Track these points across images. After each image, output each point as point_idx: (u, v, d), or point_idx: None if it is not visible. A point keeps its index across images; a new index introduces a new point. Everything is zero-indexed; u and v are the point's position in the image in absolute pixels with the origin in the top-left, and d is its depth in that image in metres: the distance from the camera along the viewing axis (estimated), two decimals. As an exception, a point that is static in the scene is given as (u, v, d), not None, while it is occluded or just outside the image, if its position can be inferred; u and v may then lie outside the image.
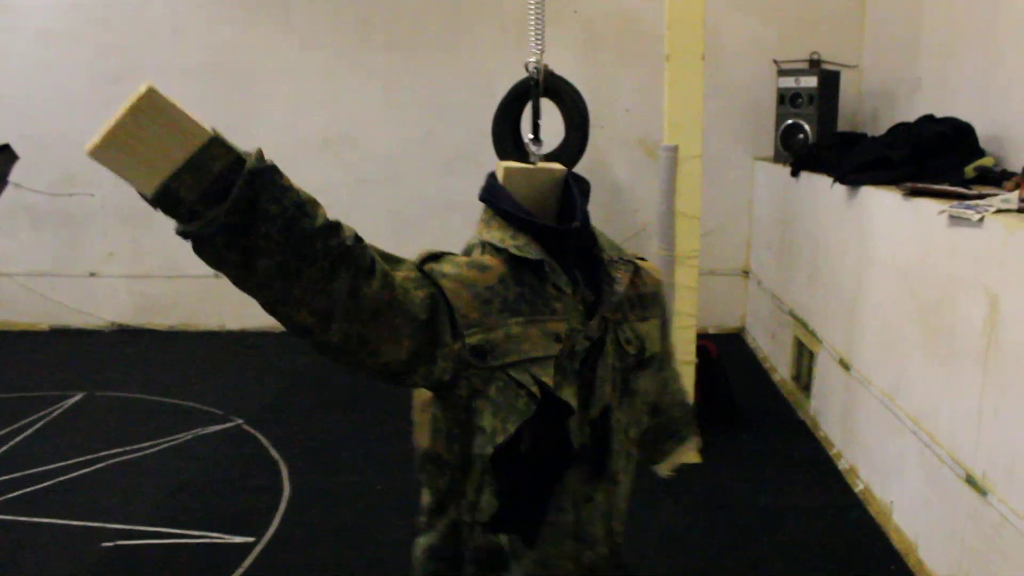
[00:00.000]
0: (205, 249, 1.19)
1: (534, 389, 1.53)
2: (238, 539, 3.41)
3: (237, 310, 6.44)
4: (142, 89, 1.06)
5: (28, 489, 3.84)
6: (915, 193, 3.30)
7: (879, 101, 5.51)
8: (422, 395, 1.61)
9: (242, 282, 1.25)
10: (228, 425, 4.63)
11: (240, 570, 3.18)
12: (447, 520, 1.66)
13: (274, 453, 4.26)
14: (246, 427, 4.60)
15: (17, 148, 6.11)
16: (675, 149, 3.81)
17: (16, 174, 6.18)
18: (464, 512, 1.62)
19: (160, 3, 6.20)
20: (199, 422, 4.65)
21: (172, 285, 6.48)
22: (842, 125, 5.55)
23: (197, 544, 3.38)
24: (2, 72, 6.26)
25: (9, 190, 6.17)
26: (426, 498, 1.68)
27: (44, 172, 6.31)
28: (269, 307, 1.29)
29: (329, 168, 6.24)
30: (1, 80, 6.26)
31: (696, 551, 3.40)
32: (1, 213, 6.37)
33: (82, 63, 6.25)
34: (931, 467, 3.13)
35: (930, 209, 3.12)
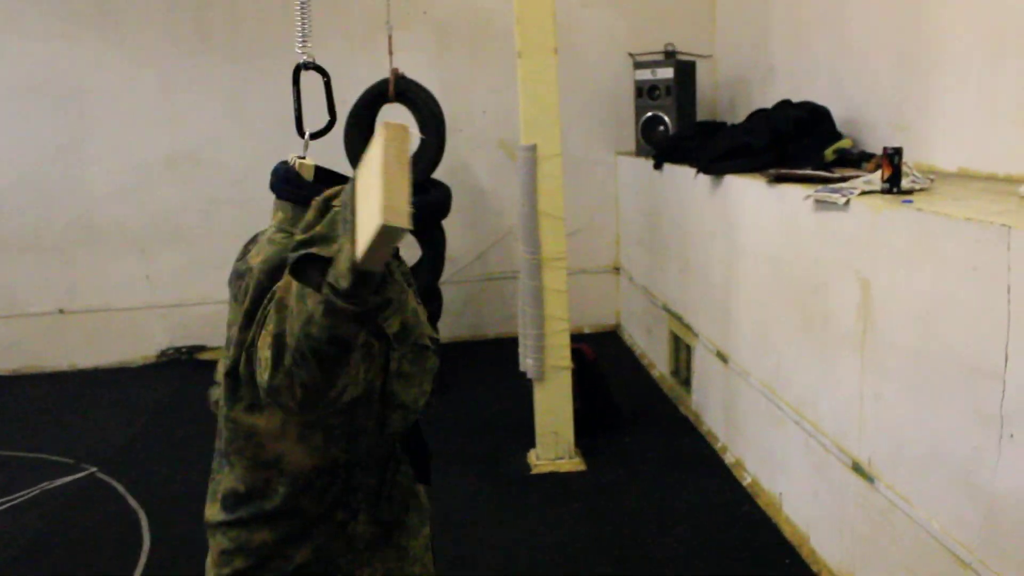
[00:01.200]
0: (367, 321, 1.22)
1: (432, 345, 1.59)
2: (91, 604, 3.09)
3: (87, 347, 5.98)
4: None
5: None
6: (779, 179, 3.26)
7: (735, 90, 5.54)
8: (286, 425, 1.54)
9: (345, 357, 1.27)
10: (80, 475, 4.24)
11: (94, 640, 2.88)
12: (330, 527, 1.61)
13: (132, 502, 3.92)
14: (100, 475, 4.22)
15: None
16: (533, 148, 3.67)
17: None
18: (353, 503, 1.61)
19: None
20: (46, 474, 4.25)
21: (12, 325, 5.97)
22: (701, 115, 5.56)
23: (44, 615, 3.05)
24: None
25: None
26: (284, 530, 1.60)
27: None
28: (341, 389, 1.31)
29: (176, 189, 5.87)
30: None
31: (583, 563, 3.26)
32: None
33: None
34: (817, 456, 3.08)
35: (795, 195, 3.07)
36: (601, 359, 4.62)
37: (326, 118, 1.72)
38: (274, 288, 1.36)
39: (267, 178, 1.60)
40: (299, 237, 1.20)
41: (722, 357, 3.99)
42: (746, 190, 3.57)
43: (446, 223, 5.25)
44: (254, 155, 5.74)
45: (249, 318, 1.42)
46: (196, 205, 5.91)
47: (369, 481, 1.62)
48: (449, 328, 5.94)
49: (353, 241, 1.09)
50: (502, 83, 5.49)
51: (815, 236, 2.98)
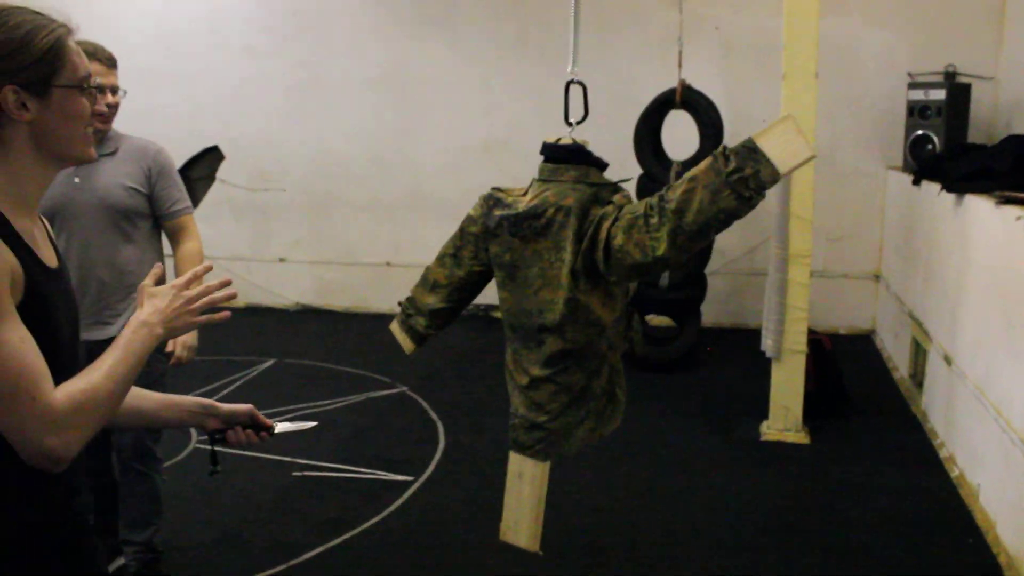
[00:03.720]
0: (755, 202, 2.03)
1: None
2: (400, 477, 4.11)
3: (404, 295, 7.19)
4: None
5: (233, 431, 4.66)
6: (1006, 201, 3.62)
7: (1013, 113, 5.70)
8: (602, 296, 2.35)
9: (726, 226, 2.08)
10: (395, 391, 5.37)
11: (401, 500, 3.89)
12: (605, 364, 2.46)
13: (433, 415, 4.96)
14: (410, 393, 5.32)
15: (223, 149, 7.13)
16: (789, 158, 4.23)
17: (221, 171, 7.21)
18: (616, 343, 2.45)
19: (343, 22, 7.06)
20: (370, 387, 5.42)
21: (348, 271, 7.33)
22: (976, 137, 5.74)
23: (367, 479, 4.11)
24: (213, 83, 7.24)
25: (215, 184, 7.18)
26: (587, 369, 2.41)
27: (243, 169, 7.28)
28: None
29: (488, 169, 6.88)
30: (212, 90, 7.24)
31: (789, 515, 3.81)
32: (208, 205, 7.36)
33: (277, 75, 7.16)
34: (1007, 450, 3.45)
35: (1013, 215, 3.45)
36: (846, 358, 5.06)
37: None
38: (604, 212, 2.25)
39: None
40: (729, 168, 2.00)
41: (947, 360, 4.36)
42: (979, 209, 3.94)
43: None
44: (555, 146, 6.69)
45: (578, 238, 2.27)
46: (504, 184, 6.93)
47: (619, 328, 2.44)
48: (713, 314, 6.59)
49: (773, 167, 1.97)
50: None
51: (1025, 253, 3.36)
